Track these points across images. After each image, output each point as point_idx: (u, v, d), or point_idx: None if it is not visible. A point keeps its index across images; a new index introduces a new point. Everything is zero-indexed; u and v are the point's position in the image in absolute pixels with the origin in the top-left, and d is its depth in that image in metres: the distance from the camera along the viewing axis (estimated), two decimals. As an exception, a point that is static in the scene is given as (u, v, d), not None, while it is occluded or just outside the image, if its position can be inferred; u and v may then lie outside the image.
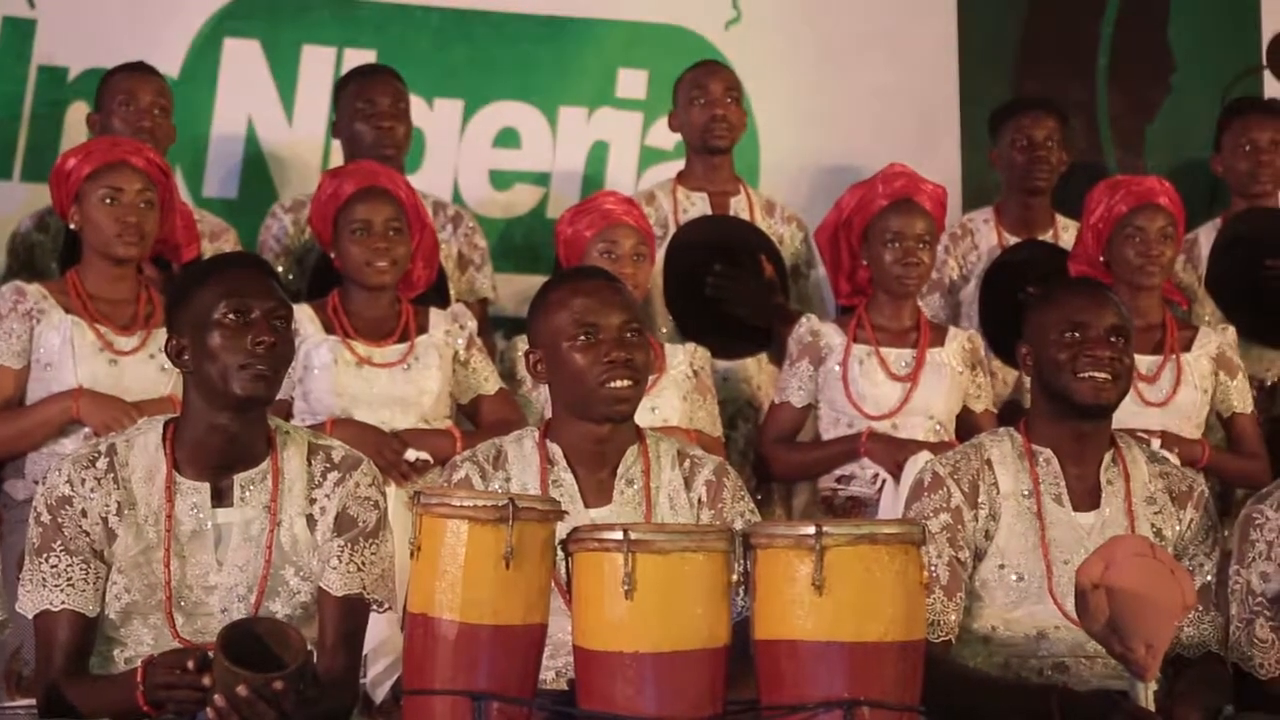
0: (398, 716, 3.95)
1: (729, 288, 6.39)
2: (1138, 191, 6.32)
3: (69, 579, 3.95)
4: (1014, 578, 4.46)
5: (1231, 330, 6.41)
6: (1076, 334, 4.39)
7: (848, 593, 3.57)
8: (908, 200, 6.18)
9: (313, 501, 4.14)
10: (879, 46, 7.89)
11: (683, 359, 6.04)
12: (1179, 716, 4.12)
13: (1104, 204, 6.32)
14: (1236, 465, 6.22)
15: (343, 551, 4.09)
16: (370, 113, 6.64)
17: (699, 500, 4.33)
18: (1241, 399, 6.25)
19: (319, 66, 7.29)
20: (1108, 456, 4.53)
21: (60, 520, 3.97)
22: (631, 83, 7.64)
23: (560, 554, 3.67)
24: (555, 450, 4.33)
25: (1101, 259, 6.20)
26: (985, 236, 6.97)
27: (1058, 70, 8.02)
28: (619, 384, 4.21)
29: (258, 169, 7.35)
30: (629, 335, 4.25)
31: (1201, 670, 4.38)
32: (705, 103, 7.01)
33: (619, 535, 3.56)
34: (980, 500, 4.49)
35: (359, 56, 7.19)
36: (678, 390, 5.94)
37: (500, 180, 7.56)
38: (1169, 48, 8.03)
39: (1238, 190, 7.12)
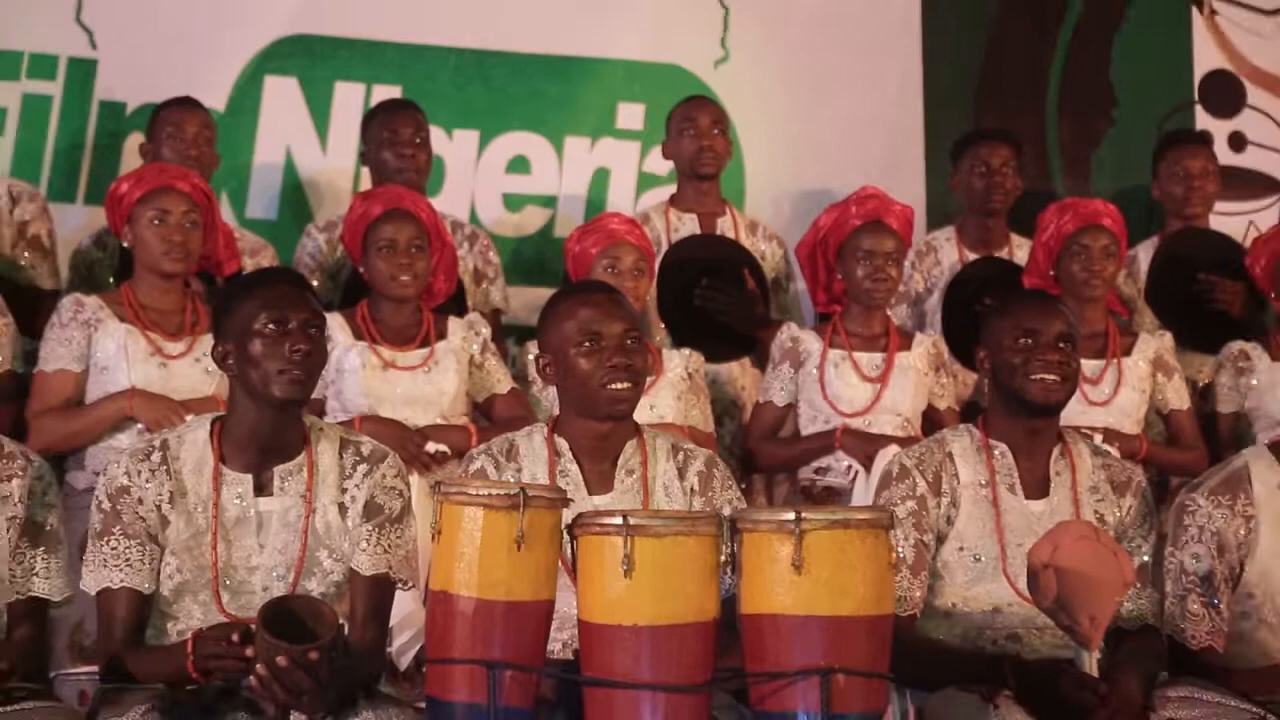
0: (420, 683, 3.99)
1: (715, 299, 6.42)
2: (1084, 213, 6.40)
3: (127, 560, 4.02)
4: (972, 559, 4.53)
5: (1169, 336, 6.47)
6: (1029, 340, 4.46)
7: (824, 572, 3.60)
8: (878, 221, 6.23)
9: (344, 491, 4.20)
10: (852, 82, 7.90)
11: (679, 363, 6.05)
12: (1119, 682, 4.18)
13: (1054, 224, 6.39)
14: (1174, 457, 6.26)
15: (371, 535, 4.15)
16: (395, 142, 6.65)
17: (691, 489, 4.36)
18: (1179, 397, 6.29)
19: (350, 101, 7.30)
20: (1056, 450, 4.61)
21: (119, 508, 4.04)
22: (630, 115, 7.66)
23: (566, 537, 3.70)
24: (562, 444, 4.36)
25: (1051, 273, 6.26)
26: (947, 253, 7.02)
27: (1012, 104, 8.07)
28: (619, 386, 4.24)
29: (295, 193, 7.37)
30: (629, 342, 4.28)
31: (1139, 641, 4.46)
32: (695, 134, 7.04)
33: (619, 520, 3.59)
34: (943, 489, 4.57)
35: (385, 92, 7.20)
36: (674, 391, 5.96)
37: (512, 203, 7.59)
38: (1111, 85, 8.07)
39: (1173, 213, 7.21)
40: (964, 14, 8.07)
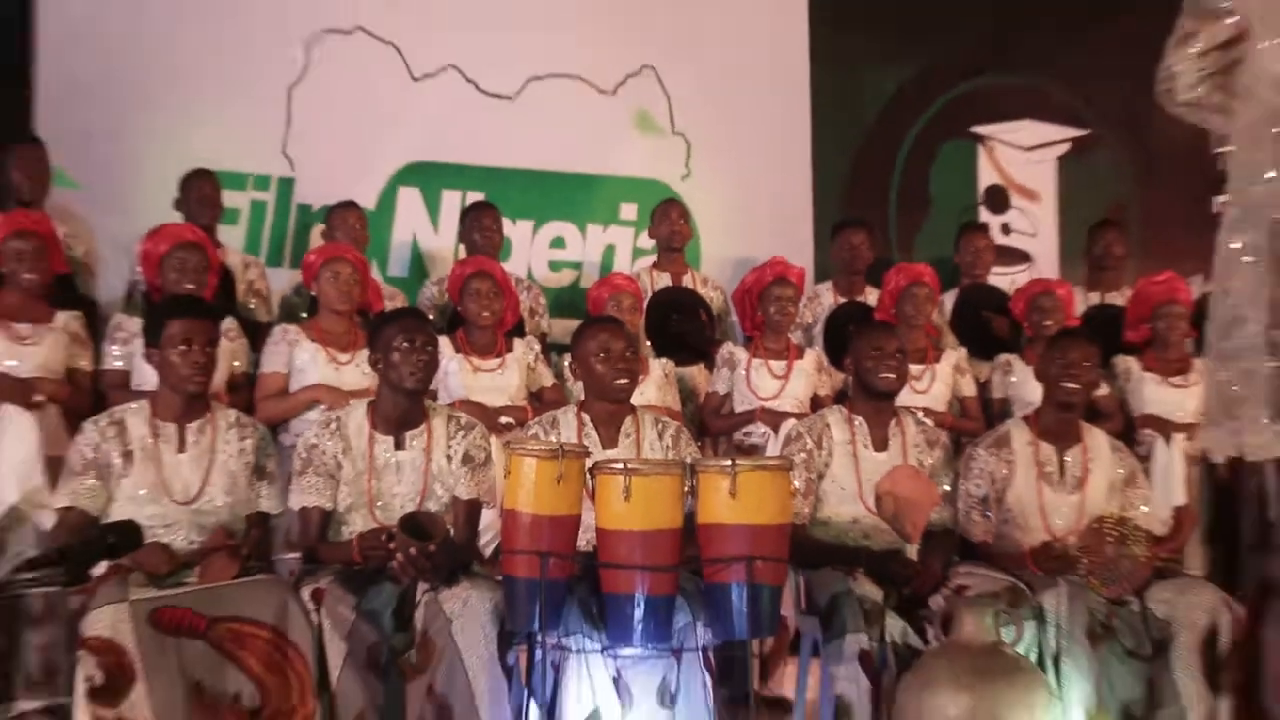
0: (497, 566, 4.10)
1: (682, 326, 6.49)
2: (911, 273, 6.42)
3: (317, 489, 4.27)
4: (840, 489, 4.71)
5: (964, 350, 6.56)
6: (877, 353, 4.65)
7: (750, 498, 3.74)
8: (782, 278, 6.30)
9: (449, 447, 4.42)
10: (768, 188, 7.84)
11: (658, 367, 6.11)
12: (928, 563, 4.52)
13: (893, 280, 6.43)
14: (965, 425, 6.22)
15: (467, 475, 4.41)
16: (480, 227, 6.65)
17: (667, 446, 4.53)
18: (969, 389, 6.37)
19: (452, 202, 7.33)
20: (892, 421, 4.76)
21: (311, 457, 4.31)
22: (628, 211, 7.64)
23: (588, 475, 3.83)
24: (586, 418, 4.52)
25: (892, 311, 6.30)
26: (826, 298, 7.02)
27: (867, 201, 8.02)
28: (622, 382, 4.43)
29: (418, 260, 7.40)
30: (628, 355, 4.45)
31: (941, 538, 4.67)
32: (668, 223, 7.09)
33: (621, 465, 3.78)
34: (823, 445, 4.75)
35: (474, 196, 7.19)
36: (655, 384, 5.99)
37: (553, 266, 7.61)
38: (929, 191, 8.06)
39: (966, 273, 7.24)
40: (839, 144, 8.01)
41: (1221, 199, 2.59)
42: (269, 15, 7.28)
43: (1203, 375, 5.57)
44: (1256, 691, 2.35)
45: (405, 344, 4.25)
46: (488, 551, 4.96)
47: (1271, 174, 2.39)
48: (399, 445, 4.39)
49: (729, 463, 3.88)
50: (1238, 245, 2.46)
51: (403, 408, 4.37)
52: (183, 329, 4.21)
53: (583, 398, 4.65)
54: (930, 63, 8.12)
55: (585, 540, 4.04)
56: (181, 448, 4.26)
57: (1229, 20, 2.46)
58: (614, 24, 7.77)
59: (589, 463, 3.93)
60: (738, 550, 3.77)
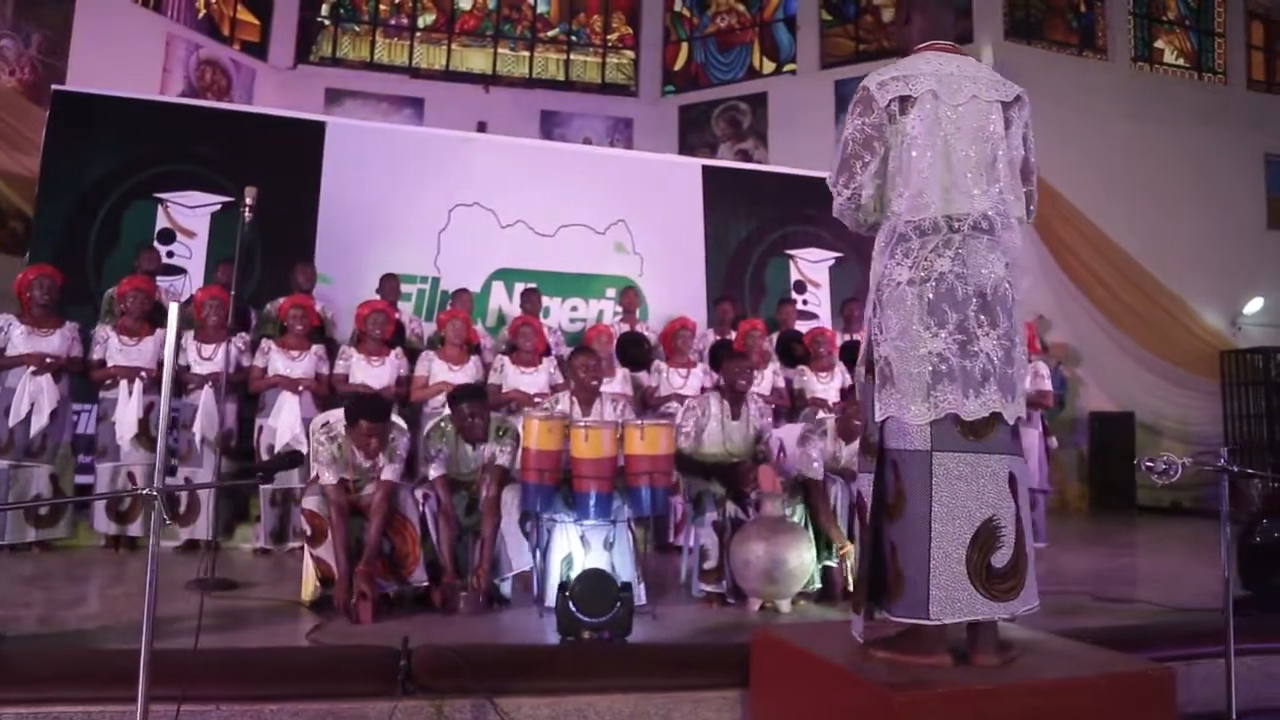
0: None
1: (634, 351, 6.41)
2: (752, 324, 6.46)
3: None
4: (709, 439, 4.49)
5: (779, 362, 6.45)
6: (736, 368, 4.52)
7: (650, 440, 3.89)
8: (684, 327, 6.31)
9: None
10: (681, 277, 7.74)
11: (621, 372, 6.03)
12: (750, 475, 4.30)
13: (744, 327, 6.44)
14: (781, 403, 6.14)
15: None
16: (529, 302, 6.66)
17: (618, 413, 4.39)
18: (781, 383, 6.24)
19: (519, 289, 7.19)
20: (742, 405, 4.56)
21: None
22: (610, 293, 7.54)
23: (569, 430, 3.89)
24: (574, 399, 4.45)
25: (744, 344, 6.22)
26: (709, 337, 6.87)
27: (733, 286, 7.85)
28: (593, 382, 4.46)
29: (501, 320, 7.27)
30: (595, 367, 4.47)
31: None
32: (628, 301, 7.09)
33: (583, 423, 3.93)
34: (705, 413, 4.55)
35: (525, 283, 7.13)
36: (619, 381, 5.92)
37: (572, 320, 7.50)
38: (765, 282, 7.98)
39: (783, 325, 7.04)
40: (718, 260, 7.94)
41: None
42: (429, 194, 7.37)
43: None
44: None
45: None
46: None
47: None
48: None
49: (640, 422, 4.10)
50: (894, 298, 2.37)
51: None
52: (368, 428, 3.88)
53: (573, 386, 4.58)
54: (763, 220, 7.97)
55: (567, 465, 4.00)
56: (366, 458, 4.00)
57: (882, 150, 2.36)
58: (603, 198, 7.74)
59: (567, 423, 4.01)
60: (644, 468, 3.91)
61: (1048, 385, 6.22)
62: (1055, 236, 9.88)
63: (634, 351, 6.53)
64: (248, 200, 4.46)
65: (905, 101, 2.35)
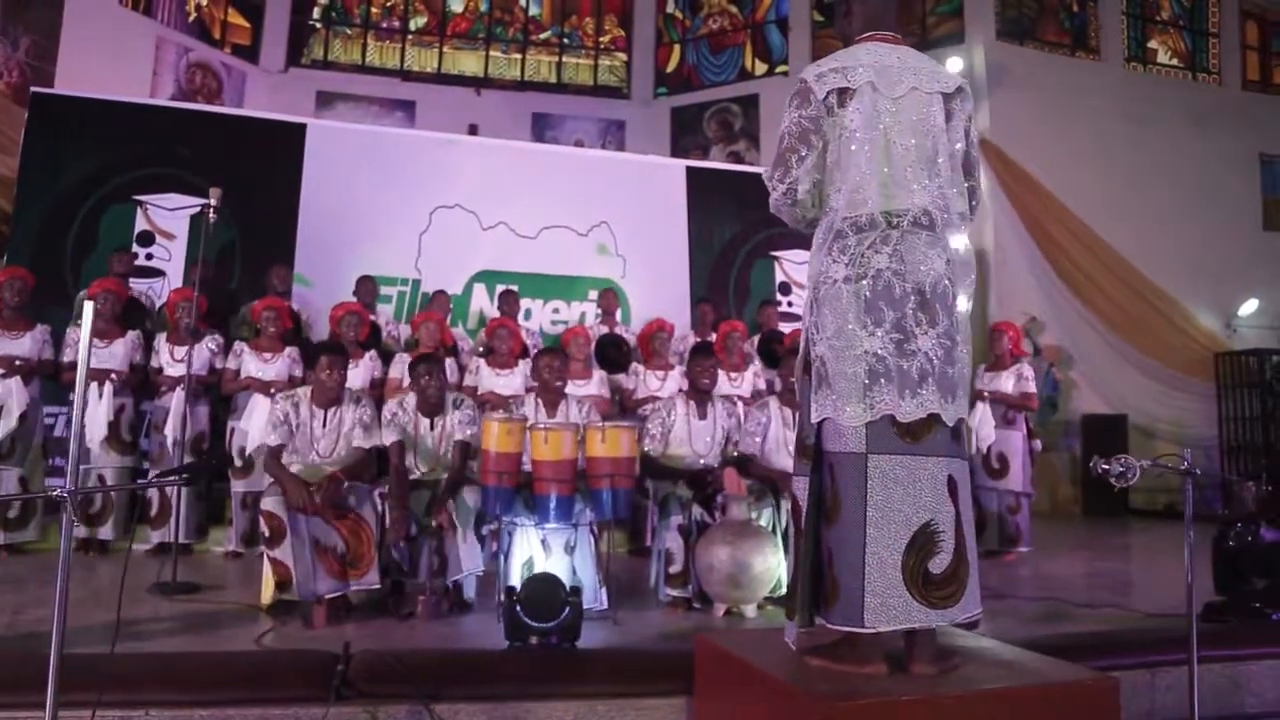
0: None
1: (612, 354, 6.37)
2: (732, 325, 6.31)
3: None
4: (678, 439, 4.51)
5: (760, 363, 6.37)
6: (699, 367, 4.55)
7: (611, 443, 3.87)
8: (661, 329, 6.21)
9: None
10: (666, 278, 7.63)
11: (598, 374, 5.92)
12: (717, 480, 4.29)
13: (723, 329, 6.28)
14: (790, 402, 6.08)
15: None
16: (506, 304, 6.59)
17: (584, 415, 4.32)
18: (762, 384, 6.08)
19: (500, 291, 7.12)
20: (708, 404, 4.58)
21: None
22: (593, 295, 7.38)
23: (530, 433, 3.85)
24: (539, 400, 4.44)
25: (722, 345, 6.09)
26: (690, 340, 6.66)
27: (716, 289, 7.76)
28: (558, 383, 4.43)
29: (482, 321, 7.17)
30: (558, 368, 4.44)
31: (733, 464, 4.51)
32: (606, 304, 6.99)
33: (541, 425, 3.90)
34: (669, 415, 4.56)
35: (506, 285, 7.05)
36: (597, 383, 5.83)
37: (554, 323, 7.38)
38: (750, 283, 7.86)
39: (765, 326, 6.98)
40: (702, 261, 7.82)
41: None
42: (411, 197, 7.30)
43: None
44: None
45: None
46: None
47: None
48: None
49: (602, 424, 4.05)
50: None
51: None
52: (327, 360, 4.04)
53: (537, 388, 4.55)
54: (747, 222, 7.82)
55: (526, 466, 3.98)
56: (325, 423, 4.06)
57: (820, 144, 2.29)
58: (587, 198, 7.66)
59: (526, 425, 3.97)
60: (606, 470, 3.88)
61: (1031, 387, 6.12)
62: (1048, 237, 9.79)
63: (612, 353, 6.46)
64: (212, 201, 4.45)
65: (844, 94, 2.28)
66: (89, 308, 2.07)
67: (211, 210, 4.37)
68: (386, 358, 5.74)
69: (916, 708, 2.00)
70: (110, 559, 5.14)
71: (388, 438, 4.10)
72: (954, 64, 10.29)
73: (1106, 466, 2.74)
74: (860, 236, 2.26)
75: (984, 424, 6.00)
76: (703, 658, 2.60)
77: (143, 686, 2.54)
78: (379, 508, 3.92)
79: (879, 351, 2.20)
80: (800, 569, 2.25)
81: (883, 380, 2.18)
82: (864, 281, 2.22)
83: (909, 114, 2.29)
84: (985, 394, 6.09)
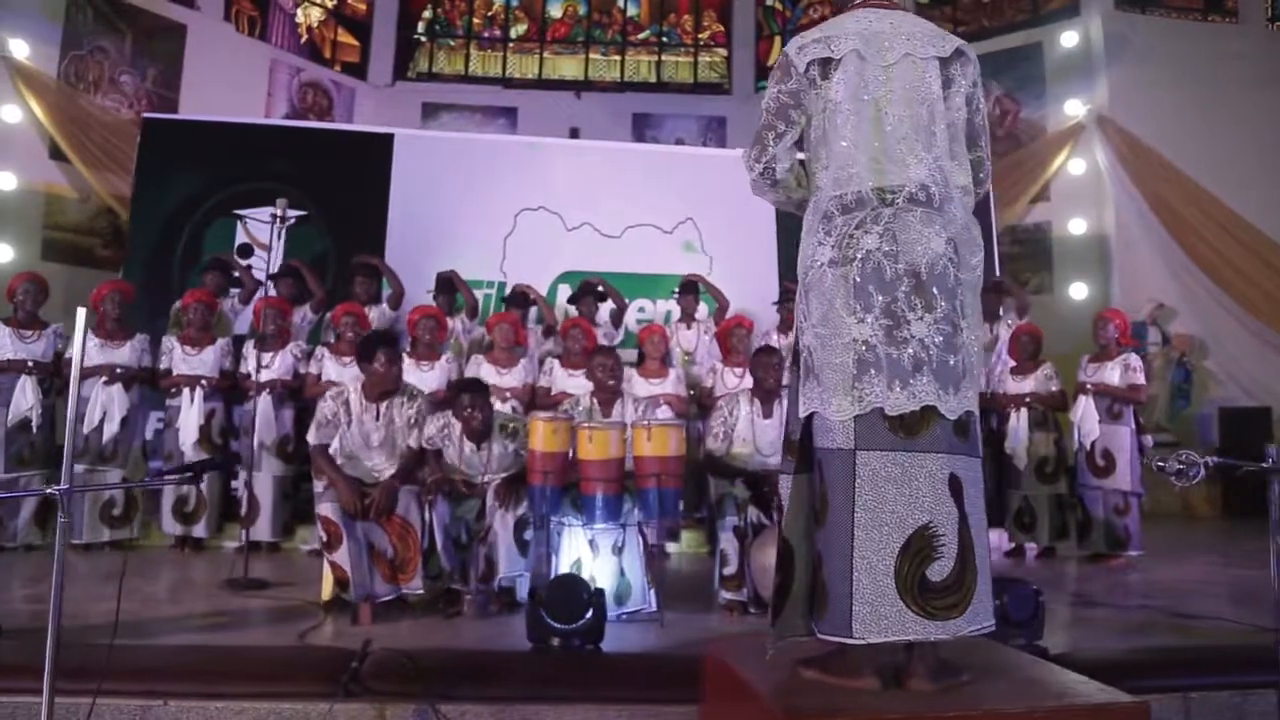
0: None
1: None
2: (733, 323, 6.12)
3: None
4: (740, 439, 4.40)
5: None
6: (763, 365, 4.43)
7: (661, 442, 3.80)
8: (740, 325, 5.99)
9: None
10: (752, 279, 7.33)
11: (674, 371, 5.73)
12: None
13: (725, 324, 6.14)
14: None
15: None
16: (582, 308, 6.51)
17: (644, 413, 4.33)
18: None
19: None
20: (774, 403, 4.42)
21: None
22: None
23: (573, 431, 3.83)
24: (594, 400, 4.41)
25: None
26: (773, 336, 6.38)
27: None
28: (611, 382, 4.38)
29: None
30: (612, 367, 4.40)
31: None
32: (688, 298, 6.69)
33: (587, 425, 3.88)
34: (733, 413, 4.44)
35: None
36: (672, 380, 5.65)
37: (639, 322, 7.19)
38: None
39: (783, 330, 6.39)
40: (791, 257, 7.63)
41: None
42: (495, 201, 7.39)
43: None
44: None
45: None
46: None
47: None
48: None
49: (648, 422, 3.97)
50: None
51: None
52: (385, 354, 4.02)
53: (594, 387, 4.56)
54: None
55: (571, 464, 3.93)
56: (378, 415, 4.04)
57: (802, 120, 2.17)
58: (672, 196, 7.58)
59: (572, 424, 3.94)
60: (655, 469, 3.82)
61: (1140, 379, 5.67)
62: (1176, 218, 9.07)
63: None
64: (278, 211, 4.58)
65: (827, 64, 2.13)
66: (82, 313, 2.13)
67: (279, 219, 4.50)
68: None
69: (900, 728, 1.82)
70: (204, 555, 5.40)
71: (430, 429, 4.10)
72: (1069, 38, 9.76)
73: (1163, 464, 2.48)
74: (848, 217, 2.10)
75: (1087, 418, 5.63)
76: (711, 667, 2.48)
77: (164, 678, 2.64)
78: (425, 514, 3.93)
79: (868, 339, 2.03)
80: (786, 576, 2.10)
81: (872, 370, 2.02)
82: (852, 265, 2.06)
83: (901, 82, 2.12)
84: (1089, 386, 5.68)
